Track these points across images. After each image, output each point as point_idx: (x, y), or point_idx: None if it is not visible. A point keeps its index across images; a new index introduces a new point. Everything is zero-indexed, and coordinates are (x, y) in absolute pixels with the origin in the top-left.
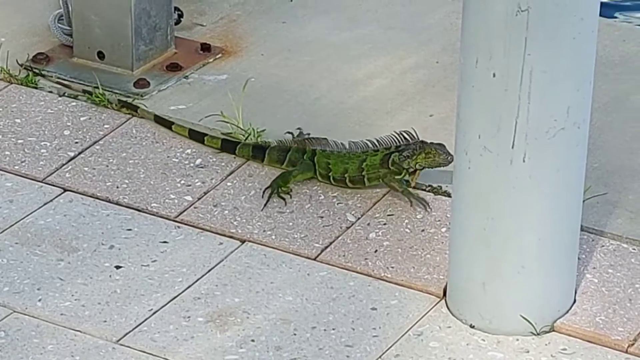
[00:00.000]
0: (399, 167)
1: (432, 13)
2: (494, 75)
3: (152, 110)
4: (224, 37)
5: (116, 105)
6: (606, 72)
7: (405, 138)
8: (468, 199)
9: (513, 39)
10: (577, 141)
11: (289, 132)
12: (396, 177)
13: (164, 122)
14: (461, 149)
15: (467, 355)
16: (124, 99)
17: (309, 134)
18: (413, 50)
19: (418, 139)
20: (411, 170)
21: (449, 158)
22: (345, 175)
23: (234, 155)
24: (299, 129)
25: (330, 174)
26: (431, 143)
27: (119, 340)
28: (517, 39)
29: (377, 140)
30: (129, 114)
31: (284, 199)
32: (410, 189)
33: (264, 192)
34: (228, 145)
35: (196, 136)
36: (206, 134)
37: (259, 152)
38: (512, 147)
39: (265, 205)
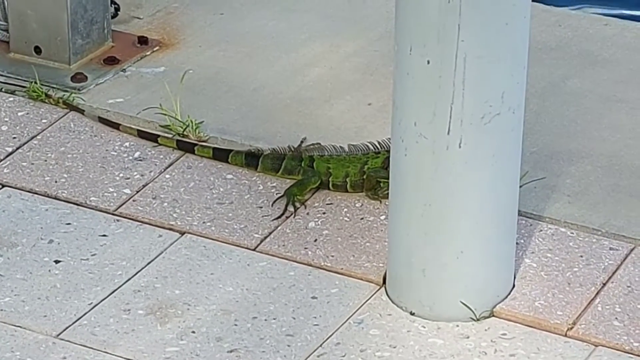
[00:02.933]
0: None
1: (369, 1)
2: (428, 63)
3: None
4: (162, 30)
5: (57, 102)
6: (542, 57)
7: None
8: (405, 186)
9: (446, 26)
10: (512, 126)
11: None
12: None
13: (187, 147)
14: (397, 136)
15: (407, 342)
16: (62, 93)
17: (305, 138)
18: (351, 39)
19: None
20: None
21: None
22: (347, 180)
23: (226, 163)
24: (304, 138)
25: (330, 179)
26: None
27: (59, 335)
28: (450, 25)
29: (379, 142)
30: (66, 108)
31: (296, 208)
32: None
33: (274, 202)
34: (220, 154)
35: (185, 146)
36: (196, 144)
37: (252, 160)
38: (448, 134)
39: (281, 216)
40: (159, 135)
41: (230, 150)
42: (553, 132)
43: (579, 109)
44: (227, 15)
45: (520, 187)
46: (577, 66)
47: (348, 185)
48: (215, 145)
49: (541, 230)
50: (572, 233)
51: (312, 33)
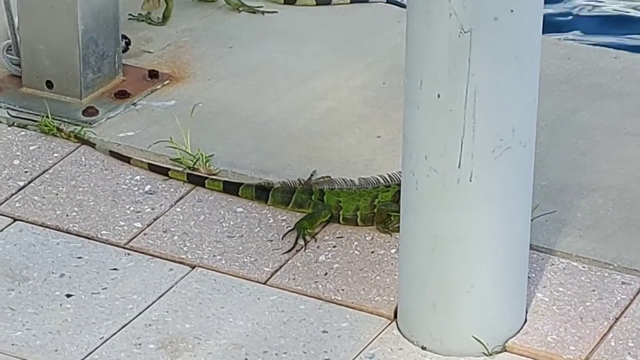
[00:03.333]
0: None
1: (378, 34)
2: (438, 96)
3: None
4: (172, 64)
5: (69, 136)
6: (552, 90)
7: None
8: (416, 220)
9: (457, 60)
10: (523, 160)
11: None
12: None
13: (197, 180)
14: (408, 170)
15: None
16: (73, 127)
17: (314, 171)
18: (359, 72)
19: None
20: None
21: None
22: (357, 214)
23: (237, 196)
24: (314, 171)
25: (340, 212)
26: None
27: None
28: (461, 59)
29: (389, 176)
30: (77, 142)
31: (307, 242)
32: None
33: (284, 235)
34: (230, 187)
35: (195, 179)
36: (206, 178)
37: (262, 193)
38: (459, 167)
39: (291, 249)
40: (169, 169)
41: (241, 184)
42: (563, 165)
43: (589, 141)
44: (237, 48)
45: (531, 220)
46: (586, 99)
47: (358, 219)
48: (226, 179)
49: (553, 264)
50: (584, 267)
51: (321, 66)
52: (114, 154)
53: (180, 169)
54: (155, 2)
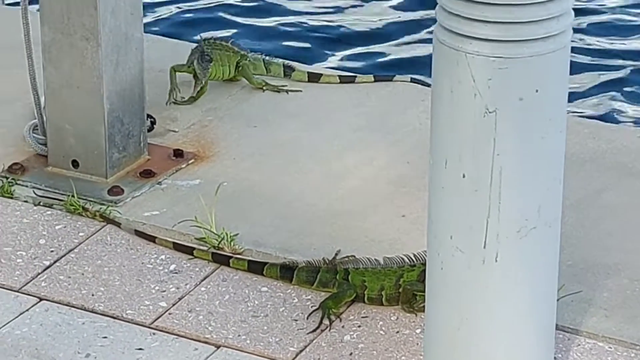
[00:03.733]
0: None
1: (401, 113)
2: (463, 176)
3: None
4: (197, 143)
5: (94, 216)
6: (577, 170)
7: None
8: (441, 300)
9: (482, 140)
10: (549, 240)
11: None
12: None
13: (222, 259)
14: (433, 249)
15: None
16: (99, 206)
17: (339, 250)
18: (384, 150)
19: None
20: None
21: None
22: (382, 293)
23: (261, 276)
24: (338, 250)
25: (365, 292)
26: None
27: None
28: (486, 139)
29: (414, 255)
30: (103, 221)
31: (332, 321)
32: None
33: (309, 315)
34: (255, 266)
35: (220, 259)
36: (231, 257)
37: (287, 272)
38: (484, 247)
39: (316, 329)
40: (194, 248)
41: (265, 263)
42: (589, 245)
43: (614, 221)
44: (261, 127)
45: (557, 300)
46: (612, 178)
47: (383, 299)
48: (250, 258)
49: (579, 345)
50: (610, 347)
51: (346, 145)
52: (139, 234)
53: (205, 248)
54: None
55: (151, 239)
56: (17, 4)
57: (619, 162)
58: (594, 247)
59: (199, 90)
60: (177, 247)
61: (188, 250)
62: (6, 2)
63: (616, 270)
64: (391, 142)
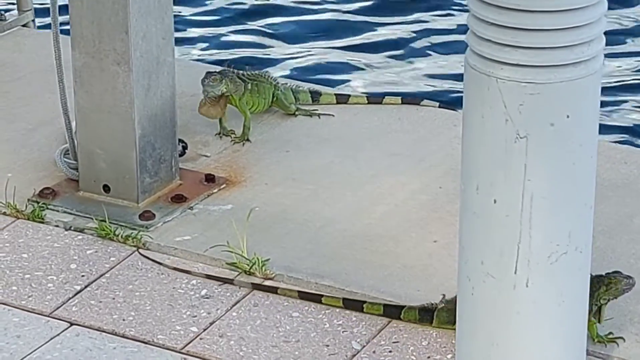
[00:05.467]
0: None
1: (434, 139)
2: (494, 202)
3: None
4: (228, 168)
5: (125, 241)
6: (608, 195)
7: None
8: (472, 326)
9: (513, 166)
10: (579, 265)
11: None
12: None
13: (393, 312)
14: (464, 275)
15: None
16: (130, 231)
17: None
18: (416, 176)
19: (592, 274)
20: (596, 307)
21: (631, 281)
22: None
23: (399, 320)
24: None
25: None
26: (607, 274)
27: None
28: (517, 165)
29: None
30: (134, 246)
31: None
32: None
33: None
34: (391, 310)
35: (353, 305)
36: (365, 302)
37: (426, 314)
38: (515, 273)
39: None
40: (364, 302)
41: (402, 306)
42: (620, 270)
43: None
44: (293, 152)
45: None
46: None
47: None
48: (386, 302)
49: None
50: None
51: (378, 170)
52: (304, 295)
53: (374, 303)
54: (213, 110)
55: (317, 298)
56: (48, 27)
57: None
58: (625, 272)
59: (245, 125)
60: (347, 304)
61: (358, 307)
62: (38, 25)
63: None
64: (424, 167)
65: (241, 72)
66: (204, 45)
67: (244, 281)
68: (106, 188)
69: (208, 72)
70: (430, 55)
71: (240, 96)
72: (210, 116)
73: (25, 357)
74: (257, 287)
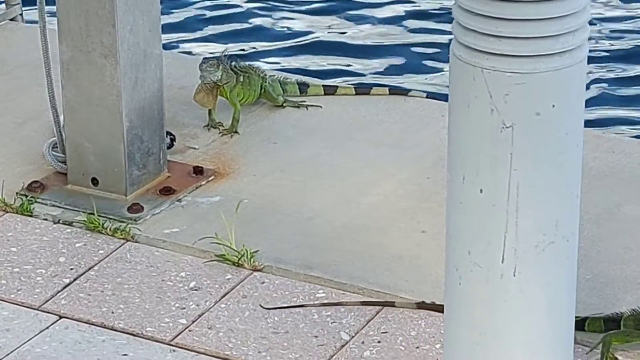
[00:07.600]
0: None
1: (422, 129)
2: (481, 191)
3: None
4: (216, 160)
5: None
6: (596, 184)
7: None
8: (460, 315)
9: (499, 155)
10: (567, 254)
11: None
12: None
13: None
14: (451, 265)
15: None
16: (118, 224)
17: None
18: (404, 166)
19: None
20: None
21: None
22: None
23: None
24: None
25: None
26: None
27: None
28: (503, 154)
29: None
30: (123, 238)
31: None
32: None
33: (592, 348)
34: (610, 325)
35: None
36: (587, 318)
37: (612, 324)
38: (502, 262)
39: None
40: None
41: (586, 318)
42: (608, 259)
43: (634, 235)
44: (281, 144)
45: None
46: (631, 192)
47: None
48: (605, 316)
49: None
50: None
51: (366, 161)
52: (423, 306)
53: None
54: (207, 98)
55: (438, 308)
56: (36, 21)
57: (638, 175)
58: (613, 261)
59: (234, 117)
60: (420, 306)
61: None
62: (25, 19)
63: (635, 284)
64: (412, 158)
65: (233, 63)
66: (192, 37)
67: (405, 302)
68: (94, 181)
69: (205, 58)
70: (417, 45)
71: (232, 88)
72: (204, 104)
73: (14, 350)
74: (421, 306)
